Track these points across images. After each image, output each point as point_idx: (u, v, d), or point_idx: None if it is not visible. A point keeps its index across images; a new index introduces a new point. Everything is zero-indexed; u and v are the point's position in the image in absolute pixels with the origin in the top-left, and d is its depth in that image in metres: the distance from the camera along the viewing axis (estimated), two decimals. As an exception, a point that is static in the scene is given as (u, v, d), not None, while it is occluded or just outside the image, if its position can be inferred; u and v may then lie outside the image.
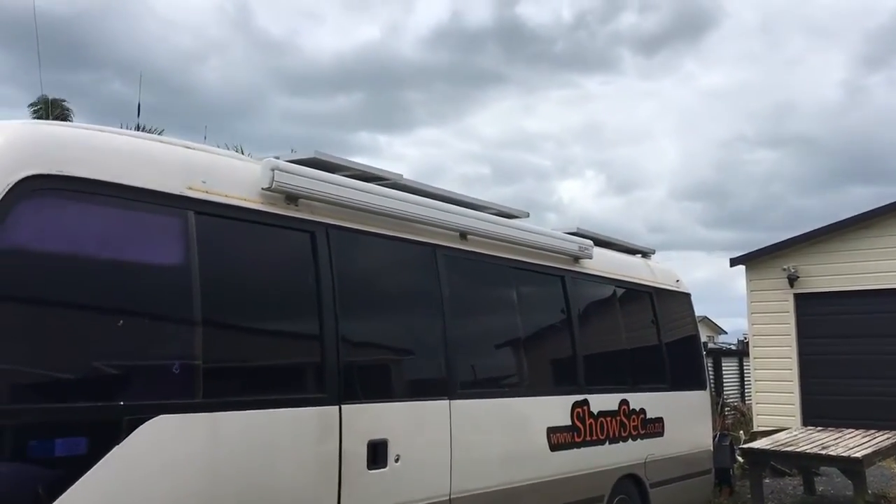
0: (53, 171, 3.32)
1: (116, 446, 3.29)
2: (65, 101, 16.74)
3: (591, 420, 6.44)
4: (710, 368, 16.08)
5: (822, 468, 10.43)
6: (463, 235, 5.52)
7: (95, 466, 3.20)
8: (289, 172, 4.29)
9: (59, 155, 3.40)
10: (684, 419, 7.98)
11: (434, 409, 4.98)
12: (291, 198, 4.33)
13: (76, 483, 3.13)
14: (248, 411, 3.88)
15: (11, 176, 3.17)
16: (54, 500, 3.06)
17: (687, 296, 8.56)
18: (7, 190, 3.13)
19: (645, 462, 7.09)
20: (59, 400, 3.25)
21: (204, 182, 3.91)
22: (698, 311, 8.94)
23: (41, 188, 3.27)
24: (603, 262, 7.17)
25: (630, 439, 6.95)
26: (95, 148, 3.60)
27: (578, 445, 6.25)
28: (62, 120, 15.73)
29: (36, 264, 3.28)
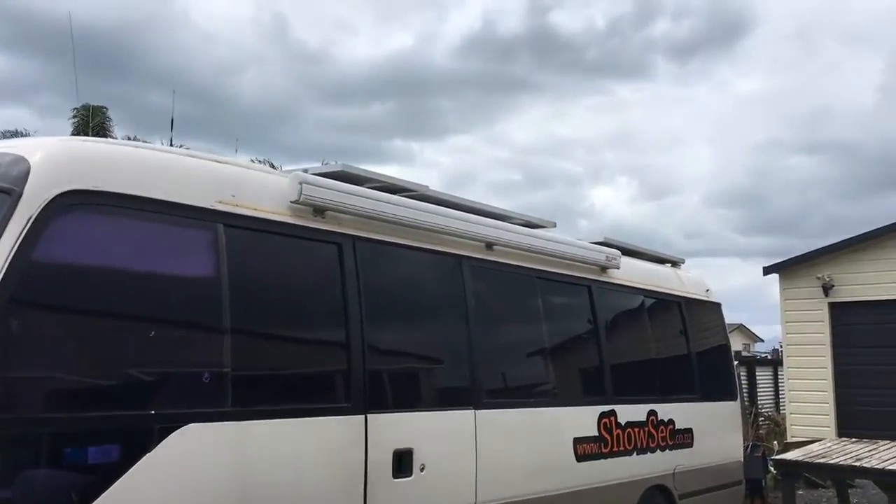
0: (89, 187, 3.43)
1: (147, 454, 3.38)
2: (105, 108, 17.13)
3: (619, 430, 6.44)
4: (743, 378, 15.92)
5: (857, 480, 10.30)
6: (489, 246, 5.57)
7: (127, 473, 3.29)
8: (316, 186, 4.37)
9: (94, 171, 3.51)
10: (714, 430, 7.94)
11: (459, 419, 5.03)
12: (319, 210, 4.41)
13: (108, 490, 3.22)
14: (276, 420, 3.96)
15: (48, 192, 3.29)
16: (87, 505, 3.15)
17: (717, 305, 8.51)
18: (44, 205, 3.25)
19: (674, 473, 7.07)
20: (94, 408, 3.36)
21: (233, 196, 4.01)
22: (734, 318, 9.00)
23: (77, 203, 3.38)
24: (630, 272, 7.17)
25: (658, 450, 6.93)
26: (128, 164, 3.71)
27: (605, 456, 6.25)
28: (102, 127, 16.07)
29: (71, 277, 3.39)
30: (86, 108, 16.42)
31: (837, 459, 9.29)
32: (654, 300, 7.55)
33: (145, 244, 3.69)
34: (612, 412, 6.38)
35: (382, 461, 4.41)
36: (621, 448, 6.44)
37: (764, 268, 14.38)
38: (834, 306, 13.58)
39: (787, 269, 14.14)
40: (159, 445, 3.42)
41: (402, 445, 4.54)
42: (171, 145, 5.31)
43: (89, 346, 3.41)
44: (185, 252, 3.86)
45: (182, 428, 3.51)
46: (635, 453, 6.61)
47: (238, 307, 3.85)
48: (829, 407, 13.46)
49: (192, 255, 3.88)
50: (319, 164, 5.71)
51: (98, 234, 3.51)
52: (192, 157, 4.13)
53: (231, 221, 3.94)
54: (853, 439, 10.93)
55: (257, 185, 4.26)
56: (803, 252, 14.14)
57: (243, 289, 3.92)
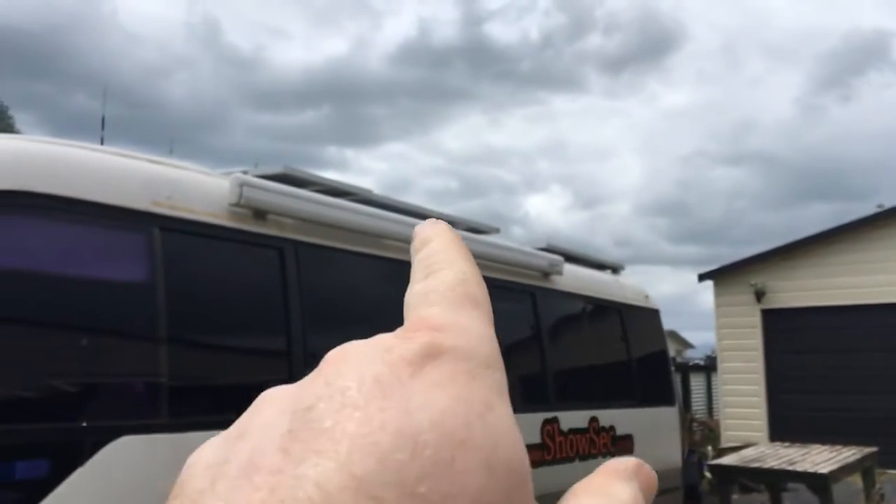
0: (17, 188, 3.25)
1: (79, 468, 3.21)
2: (6, 107, 16.45)
3: (562, 438, 6.41)
4: (678, 383, 16.15)
5: (790, 484, 10.51)
6: (433, 252, 5.49)
7: (57, 489, 3.12)
8: (257, 188, 4.24)
9: (23, 171, 3.32)
10: (653, 435, 8.00)
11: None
12: (259, 213, 4.28)
13: (35, 507, 3.04)
14: (213, 431, 3.80)
15: None
16: (12, 524, 2.97)
17: (656, 312, 8.59)
18: None
19: (615, 479, 7.08)
20: (21, 421, 3.17)
21: (169, 197, 3.85)
22: (666, 325, 8.99)
23: (4, 204, 3.20)
24: (573, 278, 7.18)
25: (600, 456, 6.92)
26: (58, 163, 3.53)
27: (549, 464, 6.21)
28: (7, 128, 15.46)
29: (-4, 281, 3.20)
30: None
31: (771, 464, 9.46)
32: (595, 306, 7.57)
33: (76, 248, 3.52)
34: (556, 419, 6.35)
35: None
36: (564, 455, 6.42)
37: (699, 275, 14.65)
38: (766, 312, 13.90)
39: (720, 276, 14.43)
40: (91, 459, 3.25)
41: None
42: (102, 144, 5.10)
43: (18, 355, 3.22)
44: (118, 256, 3.69)
45: (115, 441, 3.34)
46: (577, 460, 6.59)
47: (174, 314, 3.69)
48: (763, 412, 13.76)
49: (127, 259, 3.71)
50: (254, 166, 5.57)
51: (27, 237, 3.33)
52: (125, 156, 3.96)
53: (166, 224, 3.79)
54: (786, 443, 11.16)
55: (195, 187, 4.11)
56: (732, 260, 14.46)
57: (180, 295, 3.76)
